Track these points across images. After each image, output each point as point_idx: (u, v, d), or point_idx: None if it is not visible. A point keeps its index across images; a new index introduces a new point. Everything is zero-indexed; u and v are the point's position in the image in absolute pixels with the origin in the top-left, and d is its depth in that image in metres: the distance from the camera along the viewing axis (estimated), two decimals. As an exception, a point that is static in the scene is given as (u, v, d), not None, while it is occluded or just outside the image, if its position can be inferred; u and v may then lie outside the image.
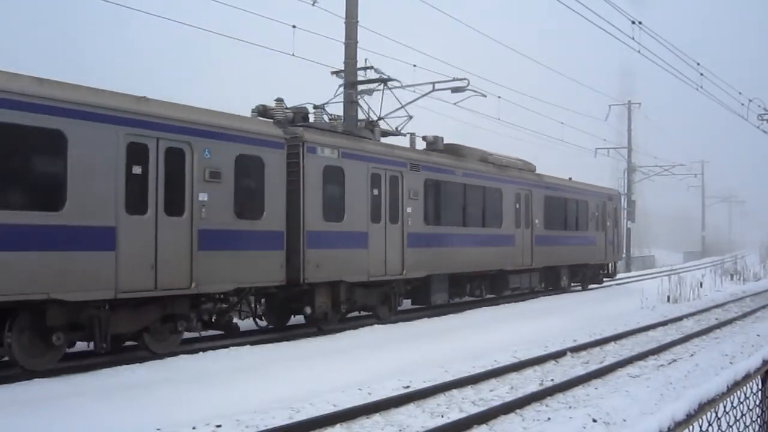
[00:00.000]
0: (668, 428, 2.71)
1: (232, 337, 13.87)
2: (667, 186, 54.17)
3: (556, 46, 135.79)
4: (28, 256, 9.73)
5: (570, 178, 27.33)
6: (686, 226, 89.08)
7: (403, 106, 22.90)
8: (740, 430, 3.66)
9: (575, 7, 18.44)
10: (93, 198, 10.54)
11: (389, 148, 18.00)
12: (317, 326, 15.47)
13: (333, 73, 22.66)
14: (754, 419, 3.91)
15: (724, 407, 3.36)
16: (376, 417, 8.45)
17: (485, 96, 23.46)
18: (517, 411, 8.81)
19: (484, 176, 21.06)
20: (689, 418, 2.89)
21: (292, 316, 15.93)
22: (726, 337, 15.89)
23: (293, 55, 20.08)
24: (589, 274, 28.21)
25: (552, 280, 25.41)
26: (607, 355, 13.32)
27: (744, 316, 20.31)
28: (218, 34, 22.24)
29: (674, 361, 12.56)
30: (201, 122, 12.35)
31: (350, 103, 22.09)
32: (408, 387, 9.97)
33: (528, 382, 10.66)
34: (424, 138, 20.60)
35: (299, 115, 16.17)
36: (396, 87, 22.22)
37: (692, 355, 13.19)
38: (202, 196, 12.06)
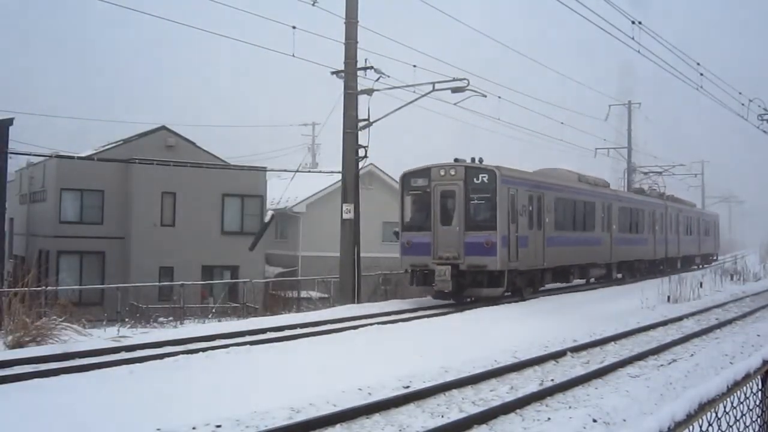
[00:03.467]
0: (668, 428, 2.70)
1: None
2: (667, 186, 54.23)
3: (557, 46, 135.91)
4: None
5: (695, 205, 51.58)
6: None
7: (402, 106, 22.96)
8: (740, 430, 3.66)
9: (575, 7, 18.45)
10: (523, 222, 22.04)
11: (676, 202, 42.16)
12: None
13: (333, 73, 22.69)
14: (754, 419, 3.90)
15: (724, 407, 3.35)
16: (376, 417, 8.44)
17: (485, 96, 23.49)
18: (517, 411, 8.80)
19: (689, 211, 45.20)
20: (689, 418, 2.89)
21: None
22: (726, 337, 15.88)
23: (293, 55, 20.11)
24: (702, 259, 48.40)
25: (700, 261, 47.63)
26: (607, 355, 13.31)
27: (744, 316, 20.29)
28: (218, 34, 22.24)
29: (674, 361, 12.55)
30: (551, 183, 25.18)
31: (350, 103, 22.12)
32: (408, 387, 9.96)
33: (528, 382, 10.65)
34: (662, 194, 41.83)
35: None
36: (395, 87, 22.25)
37: (692, 355, 13.18)
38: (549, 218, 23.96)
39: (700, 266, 43.99)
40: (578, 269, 26.96)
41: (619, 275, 31.00)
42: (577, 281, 27.88)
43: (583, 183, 28.83)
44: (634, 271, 32.69)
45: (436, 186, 21.16)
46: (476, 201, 21.05)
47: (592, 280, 29.51)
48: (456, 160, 21.47)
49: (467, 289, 20.81)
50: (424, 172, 21.55)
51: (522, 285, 22.39)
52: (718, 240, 55.91)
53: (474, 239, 20.47)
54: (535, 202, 22.84)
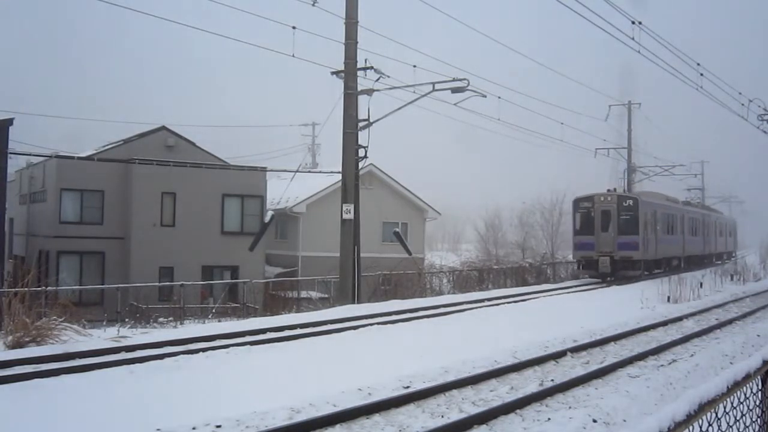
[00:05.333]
0: (668, 428, 2.70)
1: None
2: (667, 186, 54.19)
3: (557, 46, 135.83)
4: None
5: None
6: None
7: (402, 106, 22.94)
8: (740, 430, 3.66)
9: (575, 7, 18.44)
10: (649, 229, 34.50)
11: (711, 211, 55.39)
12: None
13: (333, 73, 22.69)
14: (754, 419, 3.90)
15: (724, 407, 3.35)
16: (376, 417, 8.44)
17: (485, 96, 23.45)
18: (517, 411, 8.80)
19: (719, 217, 55.88)
20: (689, 418, 2.88)
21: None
22: (726, 337, 15.88)
23: (293, 55, 20.11)
24: (722, 256, 56.22)
25: (726, 256, 57.01)
26: (607, 355, 13.32)
27: (744, 316, 20.30)
28: (218, 35, 22.24)
29: (674, 361, 12.55)
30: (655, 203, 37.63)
31: (350, 103, 22.12)
32: (408, 387, 9.97)
33: (528, 382, 10.66)
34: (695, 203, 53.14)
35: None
36: (395, 87, 22.24)
37: (692, 355, 13.18)
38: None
39: (726, 260, 55.70)
40: (666, 261, 39.10)
41: (682, 265, 42.38)
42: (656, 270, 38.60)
43: (669, 201, 42.54)
44: (691, 264, 43.79)
45: (597, 207, 33.77)
46: (624, 216, 33.37)
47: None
48: (608, 190, 35.78)
49: (618, 271, 32.87)
50: (589, 198, 34.52)
51: (643, 270, 34.09)
52: (737, 240, 68.33)
53: (624, 240, 32.98)
54: (653, 216, 35.96)
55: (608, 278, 32.79)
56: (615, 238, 32.99)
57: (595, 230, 33.46)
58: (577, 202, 34.94)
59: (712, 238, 52.09)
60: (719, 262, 52.20)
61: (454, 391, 9.88)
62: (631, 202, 33.63)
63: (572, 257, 37.05)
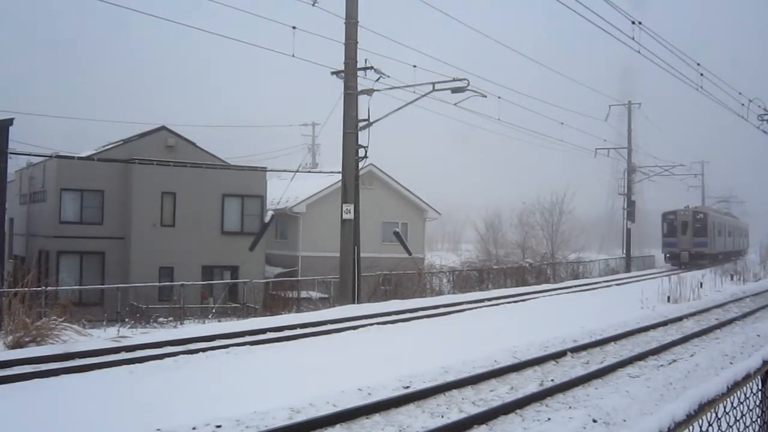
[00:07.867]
0: (668, 428, 2.70)
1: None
2: (667, 186, 54.30)
3: (557, 46, 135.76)
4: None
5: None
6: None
7: (402, 106, 22.95)
8: (740, 430, 3.66)
9: (576, 8, 18.44)
10: (712, 233, 53.54)
11: (734, 218, 71.64)
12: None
13: (333, 73, 22.69)
14: (754, 419, 3.90)
15: (724, 407, 3.35)
16: (376, 417, 8.44)
17: (485, 96, 23.44)
18: (517, 411, 8.80)
19: (739, 222, 72.84)
20: (689, 418, 2.88)
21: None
22: (726, 337, 15.88)
23: (293, 56, 20.12)
24: (741, 252, 67.18)
25: (741, 253, 66.96)
26: (607, 355, 13.31)
27: (744, 316, 20.29)
28: (218, 35, 22.22)
29: (674, 361, 12.55)
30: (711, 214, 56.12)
31: (350, 103, 22.13)
32: (408, 387, 9.96)
33: (528, 382, 10.66)
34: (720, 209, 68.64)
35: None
36: (395, 87, 22.25)
37: (692, 355, 13.18)
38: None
39: (743, 255, 66.06)
40: (716, 255, 52.63)
41: (721, 258, 54.51)
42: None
43: (716, 212, 59.12)
44: (725, 258, 55.60)
45: (679, 218, 51.08)
46: (697, 225, 50.27)
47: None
48: (685, 207, 52.44)
49: (693, 261, 48.29)
50: (673, 212, 52.06)
51: (709, 260, 48.95)
52: (748, 239, 79.99)
53: (698, 240, 50.01)
54: (714, 224, 51.66)
55: (683, 265, 47.02)
56: (692, 239, 49.97)
57: (677, 234, 50.49)
58: (665, 215, 52.46)
59: (737, 239, 68.15)
60: (736, 258, 61.41)
61: (454, 391, 9.87)
62: (702, 215, 51.14)
63: (661, 252, 54.15)
